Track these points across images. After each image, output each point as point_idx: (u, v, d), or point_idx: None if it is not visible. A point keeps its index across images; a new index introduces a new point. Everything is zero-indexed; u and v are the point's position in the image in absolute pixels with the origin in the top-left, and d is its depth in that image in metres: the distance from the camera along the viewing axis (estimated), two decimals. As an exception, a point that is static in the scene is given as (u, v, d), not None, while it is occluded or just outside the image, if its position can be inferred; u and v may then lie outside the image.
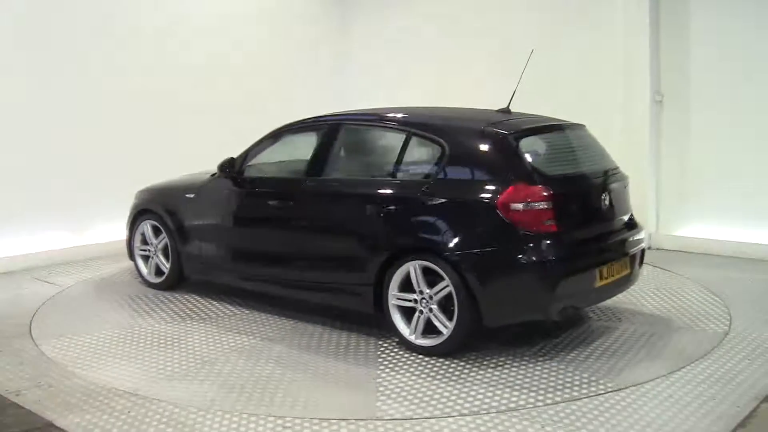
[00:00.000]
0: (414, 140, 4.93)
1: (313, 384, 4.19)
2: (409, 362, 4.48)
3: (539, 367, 4.35)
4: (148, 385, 4.19)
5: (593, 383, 4.07)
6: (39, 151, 7.59)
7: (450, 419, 3.63)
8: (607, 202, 4.78)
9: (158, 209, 6.38)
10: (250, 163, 5.84)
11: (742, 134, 7.26)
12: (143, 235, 6.55)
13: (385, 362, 4.50)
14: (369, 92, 10.21)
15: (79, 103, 7.89)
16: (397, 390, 4.05)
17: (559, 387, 4.03)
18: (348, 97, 10.34)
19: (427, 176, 4.74)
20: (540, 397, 3.90)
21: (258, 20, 9.76)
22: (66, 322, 5.50)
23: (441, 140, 4.75)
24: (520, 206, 4.30)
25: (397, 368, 4.39)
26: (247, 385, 4.18)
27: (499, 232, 4.35)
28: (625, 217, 5.08)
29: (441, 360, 4.48)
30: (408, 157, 4.93)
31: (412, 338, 4.62)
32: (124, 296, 6.29)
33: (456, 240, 4.45)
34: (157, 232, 6.42)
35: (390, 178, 4.94)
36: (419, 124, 4.99)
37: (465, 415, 3.68)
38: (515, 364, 4.42)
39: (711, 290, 5.98)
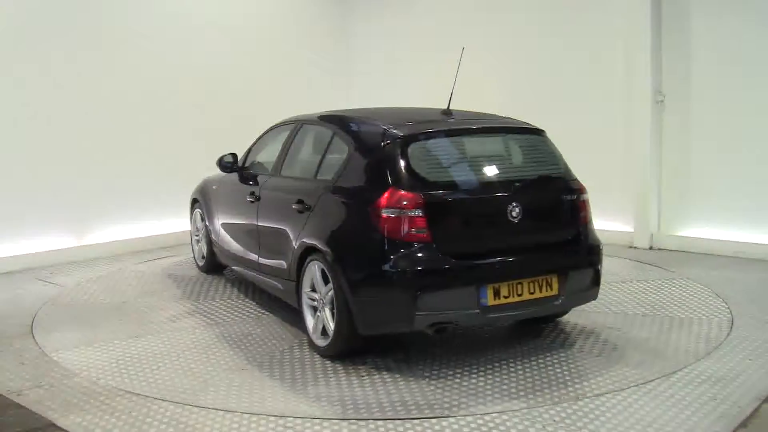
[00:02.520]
0: (335, 140, 5.00)
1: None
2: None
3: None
4: (149, 385, 4.19)
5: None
6: (40, 152, 7.61)
7: (451, 419, 3.63)
8: (515, 215, 4.34)
9: (200, 198, 7.07)
10: (247, 159, 6.24)
11: (743, 134, 7.26)
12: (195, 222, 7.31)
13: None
14: (369, 93, 10.23)
15: (79, 104, 7.92)
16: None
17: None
18: (350, 97, 10.36)
19: (332, 177, 4.79)
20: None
21: (258, 22, 9.79)
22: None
23: (348, 141, 4.82)
24: (391, 213, 4.16)
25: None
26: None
27: (372, 238, 4.22)
28: (558, 232, 4.64)
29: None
30: (328, 157, 5.00)
31: (314, 337, 4.70)
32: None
33: (338, 243, 4.46)
34: (202, 219, 7.04)
35: (311, 178, 5.09)
36: (340, 125, 5.07)
37: (466, 415, 3.68)
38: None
39: (712, 290, 5.97)
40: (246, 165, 6.19)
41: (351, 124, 5.01)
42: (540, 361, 4.47)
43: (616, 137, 8.16)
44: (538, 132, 4.94)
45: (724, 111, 7.36)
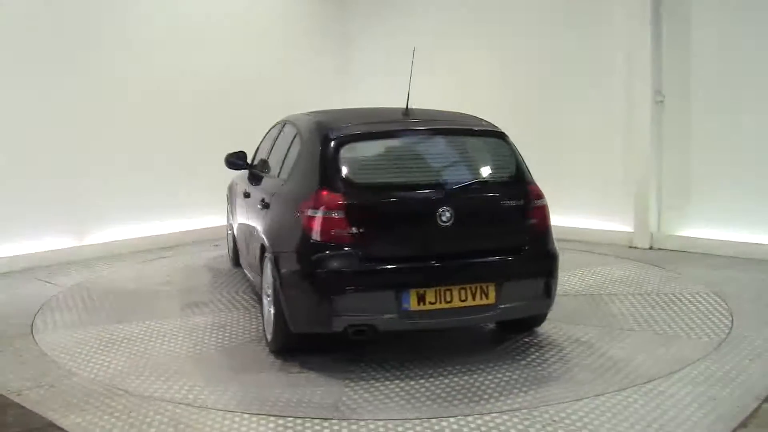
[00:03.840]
0: (295, 140, 5.08)
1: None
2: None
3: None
4: (150, 385, 4.19)
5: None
6: (40, 153, 7.61)
7: (451, 419, 3.63)
8: (444, 219, 4.20)
9: (228, 194, 7.39)
10: (255, 157, 6.30)
11: (744, 134, 7.26)
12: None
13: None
14: (369, 93, 10.21)
15: (80, 105, 7.91)
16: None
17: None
18: (349, 99, 10.36)
19: (285, 177, 4.89)
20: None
21: (258, 22, 9.79)
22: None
23: (299, 142, 4.91)
24: (315, 213, 4.19)
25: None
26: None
27: (299, 237, 4.26)
28: (499, 239, 4.44)
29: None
30: (289, 156, 5.07)
31: (266, 332, 4.81)
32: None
33: (276, 241, 4.58)
34: (228, 214, 7.38)
35: (275, 176, 5.22)
36: (301, 125, 5.12)
37: (466, 415, 3.68)
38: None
39: (712, 290, 5.97)
40: (254, 163, 6.22)
41: (307, 125, 4.99)
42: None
43: (616, 137, 8.16)
44: (495, 134, 4.76)
45: (724, 111, 7.36)
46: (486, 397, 3.92)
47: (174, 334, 5.16)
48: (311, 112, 5.49)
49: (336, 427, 3.57)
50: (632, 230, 8.00)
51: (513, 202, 4.48)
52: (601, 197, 8.36)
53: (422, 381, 4.16)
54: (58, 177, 7.76)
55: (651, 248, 7.84)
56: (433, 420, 3.63)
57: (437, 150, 4.72)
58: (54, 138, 7.70)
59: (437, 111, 5.48)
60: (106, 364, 4.57)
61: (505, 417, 3.65)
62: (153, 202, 8.58)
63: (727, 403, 3.75)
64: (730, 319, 5.20)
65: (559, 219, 8.56)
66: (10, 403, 3.96)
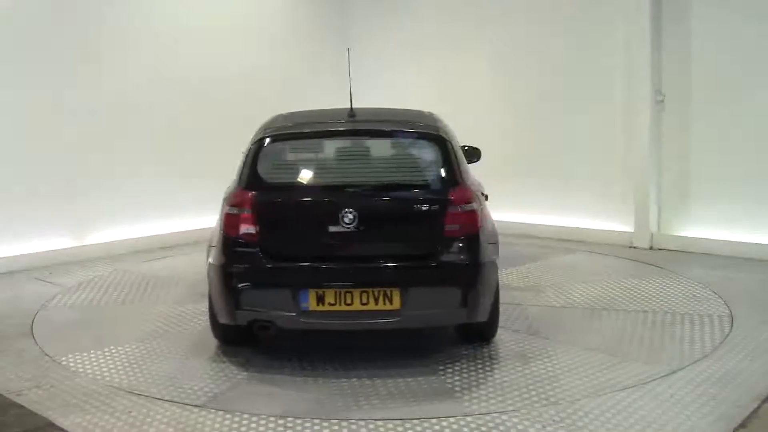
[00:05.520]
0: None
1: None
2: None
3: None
4: (150, 385, 4.19)
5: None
6: (41, 153, 7.62)
7: (451, 419, 3.63)
8: (347, 221, 4.16)
9: None
10: None
11: (744, 134, 7.26)
12: None
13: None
14: (368, 93, 10.21)
15: (79, 105, 7.92)
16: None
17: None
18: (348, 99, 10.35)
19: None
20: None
21: (258, 23, 9.80)
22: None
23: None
24: (229, 210, 4.36)
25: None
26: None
27: (218, 233, 4.46)
28: (410, 243, 4.32)
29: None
30: None
31: None
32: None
33: (210, 237, 4.68)
34: None
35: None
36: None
37: (466, 415, 3.68)
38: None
39: (712, 290, 5.97)
40: None
41: (261, 125, 5.06)
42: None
43: (616, 137, 8.17)
44: (426, 137, 4.64)
45: (724, 111, 7.37)
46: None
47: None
48: (282, 113, 5.50)
49: (317, 428, 3.58)
50: (632, 230, 8.00)
51: (427, 207, 4.30)
52: (600, 197, 8.37)
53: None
54: (59, 177, 7.76)
55: (651, 248, 7.84)
56: (434, 420, 3.63)
57: (359, 151, 4.80)
58: (54, 138, 7.71)
59: (388, 110, 5.43)
60: (106, 364, 4.57)
61: (505, 417, 3.65)
62: (153, 203, 8.58)
63: (727, 403, 3.75)
64: (730, 319, 5.20)
65: (558, 219, 8.67)
66: (10, 403, 3.96)
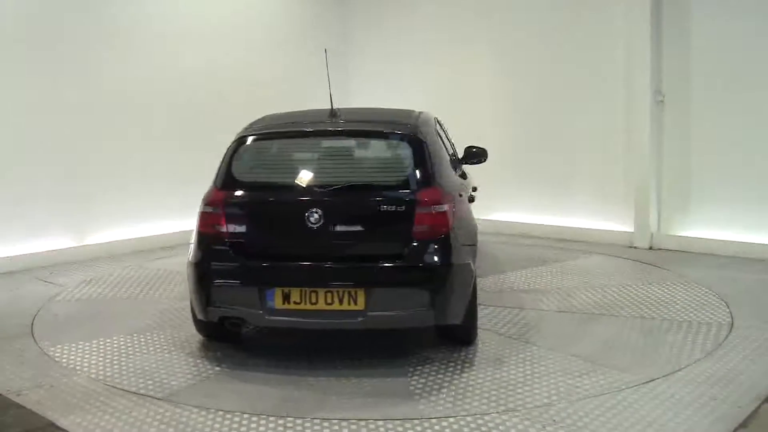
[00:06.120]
0: None
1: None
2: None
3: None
4: (150, 385, 4.19)
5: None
6: (41, 153, 7.62)
7: (451, 419, 3.63)
8: (313, 221, 4.20)
9: None
10: None
11: (743, 134, 7.26)
12: None
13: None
14: (368, 94, 10.22)
15: (80, 104, 7.92)
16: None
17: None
18: (349, 99, 10.36)
19: None
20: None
21: (258, 23, 9.80)
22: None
23: None
24: (203, 208, 4.47)
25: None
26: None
27: (195, 231, 4.53)
28: (376, 244, 4.29)
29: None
30: None
31: None
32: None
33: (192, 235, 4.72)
34: None
35: None
36: None
37: (465, 415, 3.68)
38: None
39: (712, 290, 5.97)
40: None
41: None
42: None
43: (616, 137, 8.17)
44: (400, 137, 4.61)
45: (724, 111, 7.37)
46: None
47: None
48: (270, 114, 5.53)
49: (272, 425, 3.61)
50: (632, 230, 8.00)
51: (394, 207, 4.25)
52: (601, 197, 8.37)
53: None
54: (59, 177, 7.77)
55: (651, 248, 7.84)
56: (433, 420, 3.63)
57: (331, 152, 4.82)
58: (54, 138, 7.71)
59: (374, 110, 5.45)
60: (106, 364, 4.57)
61: (505, 417, 3.64)
62: (153, 203, 8.58)
63: (727, 403, 3.75)
64: (730, 319, 5.20)
65: (558, 219, 8.67)
66: (10, 403, 3.96)
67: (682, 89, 7.64)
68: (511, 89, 9.12)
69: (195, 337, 5.01)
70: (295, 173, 4.64)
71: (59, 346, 4.94)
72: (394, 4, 10.26)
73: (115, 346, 4.93)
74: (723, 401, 3.78)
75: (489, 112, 9.28)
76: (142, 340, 5.06)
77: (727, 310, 5.40)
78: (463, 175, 5.97)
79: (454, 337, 4.73)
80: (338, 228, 4.27)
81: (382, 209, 4.27)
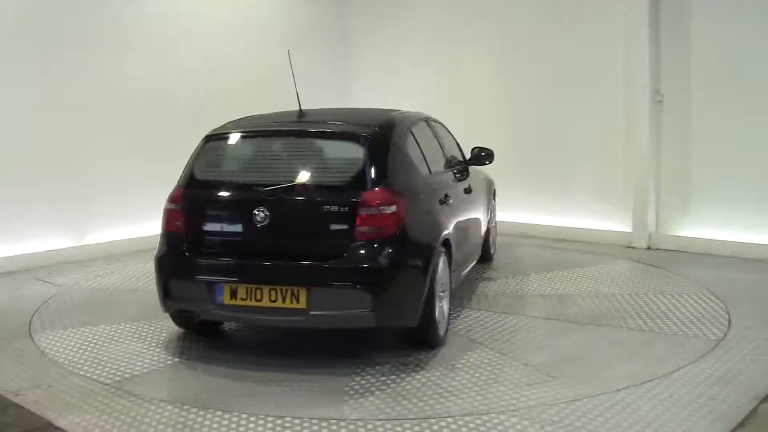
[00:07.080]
0: None
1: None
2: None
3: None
4: (149, 385, 4.19)
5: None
6: (40, 153, 7.60)
7: (450, 419, 3.63)
8: (259, 220, 4.28)
9: None
10: None
11: (742, 134, 7.27)
12: None
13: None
14: (368, 94, 10.23)
15: (79, 104, 7.91)
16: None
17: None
18: (349, 99, 10.36)
19: None
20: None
21: (258, 23, 9.78)
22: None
23: None
24: (167, 206, 4.69)
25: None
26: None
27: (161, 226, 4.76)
28: (317, 244, 4.31)
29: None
30: None
31: None
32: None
33: None
34: None
35: None
36: None
37: (465, 415, 3.68)
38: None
39: (711, 290, 5.98)
40: None
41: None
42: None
43: (615, 137, 8.17)
44: (352, 138, 4.65)
45: (723, 111, 7.38)
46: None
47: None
48: (249, 115, 5.66)
49: (193, 416, 3.72)
50: (630, 230, 8.01)
51: (337, 207, 4.26)
52: (599, 197, 8.38)
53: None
54: (58, 177, 7.75)
55: (649, 248, 7.85)
56: (432, 420, 3.63)
57: (286, 151, 4.90)
58: (54, 138, 7.70)
59: (344, 111, 5.53)
60: (105, 364, 4.57)
61: (504, 417, 3.65)
62: (153, 203, 8.53)
63: (725, 403, 3.75)
64: (729, 319, 5.20)
65: (557, 219, 8.67)
66: (10, 403, 3.96)
67: (681, 89, 7.65)
68: (510, 89, 9.12)
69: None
70: (247, 172, 4.82)
71: (58, 346, 4.93)
72: (394, 4, 10.26)
73: (90, 331, 5.16)
74: (722, 401, 3.78)
75: (489, 112, 9.29)
76: (120, 329, 5.26)
77: (726, 310, 5.40)
78: (462, 177, 5.89)
79: (414, 341, 4.67)
80: (283, 227, 4.37)
81: (325, 209, 4.30)
